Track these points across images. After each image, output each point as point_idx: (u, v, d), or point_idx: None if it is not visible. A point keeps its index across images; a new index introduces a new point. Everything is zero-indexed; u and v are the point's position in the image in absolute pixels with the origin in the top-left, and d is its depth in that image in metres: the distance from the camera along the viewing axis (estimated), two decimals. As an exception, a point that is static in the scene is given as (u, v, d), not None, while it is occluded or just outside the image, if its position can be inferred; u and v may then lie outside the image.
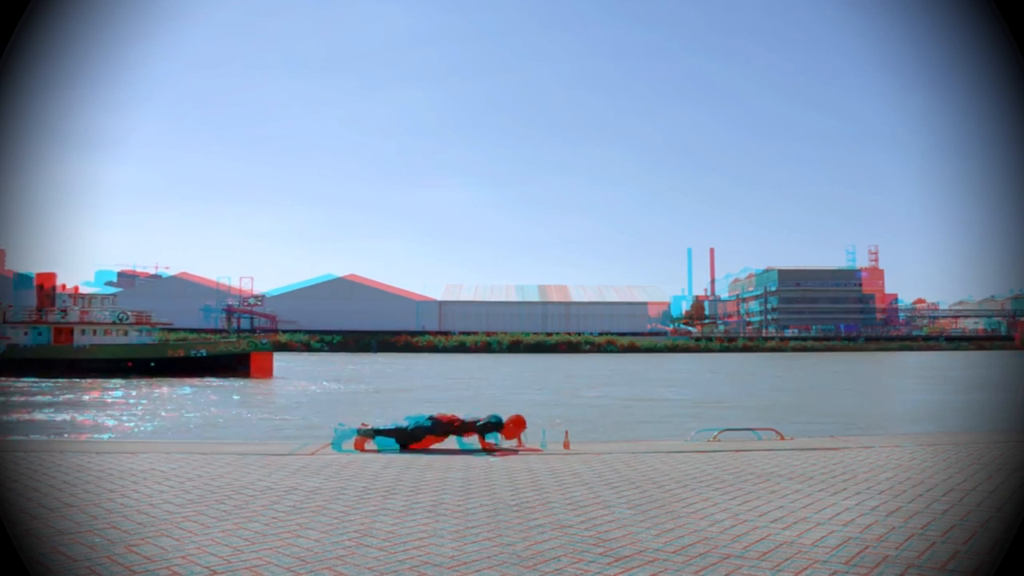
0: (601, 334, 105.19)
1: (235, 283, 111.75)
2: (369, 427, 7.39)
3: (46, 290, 47.19)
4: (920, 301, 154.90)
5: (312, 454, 6.82)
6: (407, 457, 6.74)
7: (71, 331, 44.88)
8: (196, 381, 36.33)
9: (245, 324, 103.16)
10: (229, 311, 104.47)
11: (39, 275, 47.91)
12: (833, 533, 4.01)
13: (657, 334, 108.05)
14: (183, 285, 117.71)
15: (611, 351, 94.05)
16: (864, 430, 17.08)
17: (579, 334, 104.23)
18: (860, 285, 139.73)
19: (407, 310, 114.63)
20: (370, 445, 7.30)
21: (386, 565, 3.47)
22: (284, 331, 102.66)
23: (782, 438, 7.59)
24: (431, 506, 4.74)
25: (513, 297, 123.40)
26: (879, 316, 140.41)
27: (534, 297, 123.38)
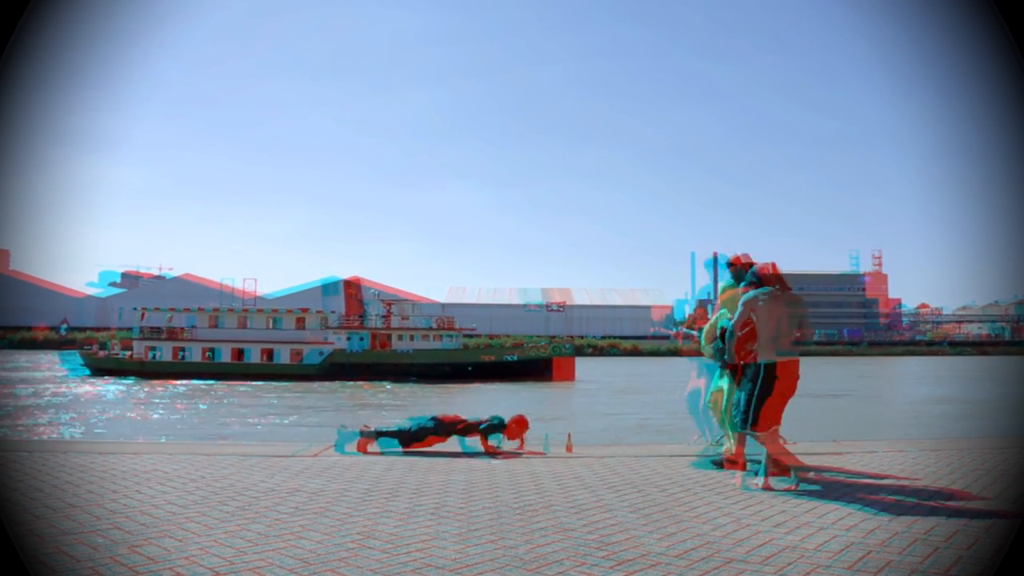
0: (603, 337, 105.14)
1: (238, 284, 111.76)
2: (372, 429, 7.39)
3: (355, 295, 48.74)
4: (924, 306, 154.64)
5: (315, 456, 6.83)
6: (410, 459, 6.74)
7: (388, 336, 46.47)
8: (511, 385, 37.52)
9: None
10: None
11: (346, 281, 49.38)
12: (836, 538, 4.00)
13: (660, 338, 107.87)
14: (186, 286, 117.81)
15: (614, 354, 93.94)
16: (867, 435, 17.04)
17: (581, 337, 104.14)
18: (863, 290, 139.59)
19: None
20: (373, 447, 7.30)
21: (389, 567, 3.48)
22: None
23: (784, 442, 7.56)
24: (434, 508, 4.74)
25: (516, 300, 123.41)
26: (882, 321, 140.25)
27: (537, 299, 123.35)
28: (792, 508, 4.75)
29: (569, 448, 7.37)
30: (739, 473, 5.99)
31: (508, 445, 7.42)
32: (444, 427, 7.28)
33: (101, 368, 45.14)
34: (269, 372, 43.73)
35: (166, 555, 3.62)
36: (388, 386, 37.67)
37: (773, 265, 6.00)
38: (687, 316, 7.15)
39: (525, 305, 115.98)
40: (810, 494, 5.21)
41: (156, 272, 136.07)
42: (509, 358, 45.21)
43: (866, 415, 24.96)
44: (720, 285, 6.89)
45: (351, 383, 39.50)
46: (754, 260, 6.56)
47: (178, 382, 39.48)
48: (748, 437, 6.00)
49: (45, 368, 48.68)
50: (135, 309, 49.94)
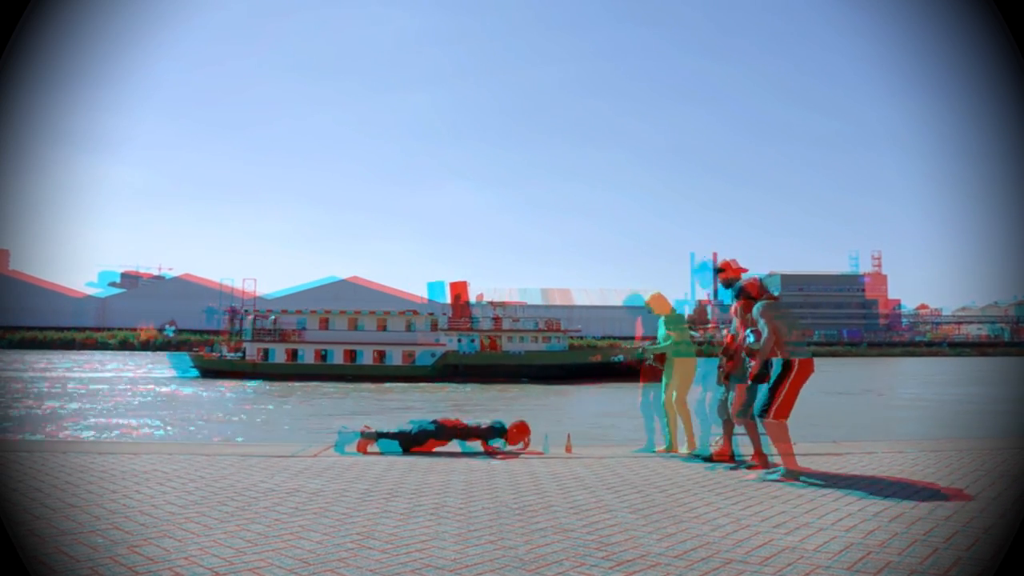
0: (603, 338, 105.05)
1: (238, 284, 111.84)
2: (372, 430, 7.39)
3: (462, 299, 49.61)
4: (923, 307, 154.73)
5: (314, 456, 6.83)
6: (409, 460, 6.74)
7: (498, 338, 47.48)
8: (616, 386, 38.11)
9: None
10: (232, 312, 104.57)
11: (453, 284, 50.26)
12: (836, 539, 4.00)
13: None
14: (186, 286, 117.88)
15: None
16: (867, 436, 17.06)
17: (581, 337, 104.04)
18: (863, 290, 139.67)
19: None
20: (373, 448, 7.30)
21: (388, 567, 3.48)
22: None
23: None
24: (433, 509, 4.74)
25: (516, 299, 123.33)
26: (882, 322, 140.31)
27: (537, 300, 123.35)
28: (792, 509, 4.75)
29: (568, 449, 7.38)
30: (758, 471, 6.20)
31: (509, 449, 7.43)
32: (445, 431, 7.28)
33: (212, 370, 45.77)
34: (381, 374, 44.55)
35: (166, 555, 3.62)
36: (520, 387, 38.62)
37: (756, 280, 6.46)
38: (687, 317, 7.27)
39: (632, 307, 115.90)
40: (810, 494, 5.21)
41: (156, 272, 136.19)
42: (615, 359, 46.03)
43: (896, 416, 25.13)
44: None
45: (464, 384, 40.31)
46: (744, 267, 6.76)
47: (303, 383, 40.17)
48: (738, 430, 6.51)
49: (133, 371, 48.88)
50: (247, 311, 51.10)
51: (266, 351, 46.28)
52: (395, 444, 7.25)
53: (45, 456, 6.50)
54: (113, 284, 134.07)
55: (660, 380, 7.42)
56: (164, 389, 34.56)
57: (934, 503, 4.86)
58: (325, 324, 47.04)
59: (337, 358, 45.66)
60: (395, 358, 45.69)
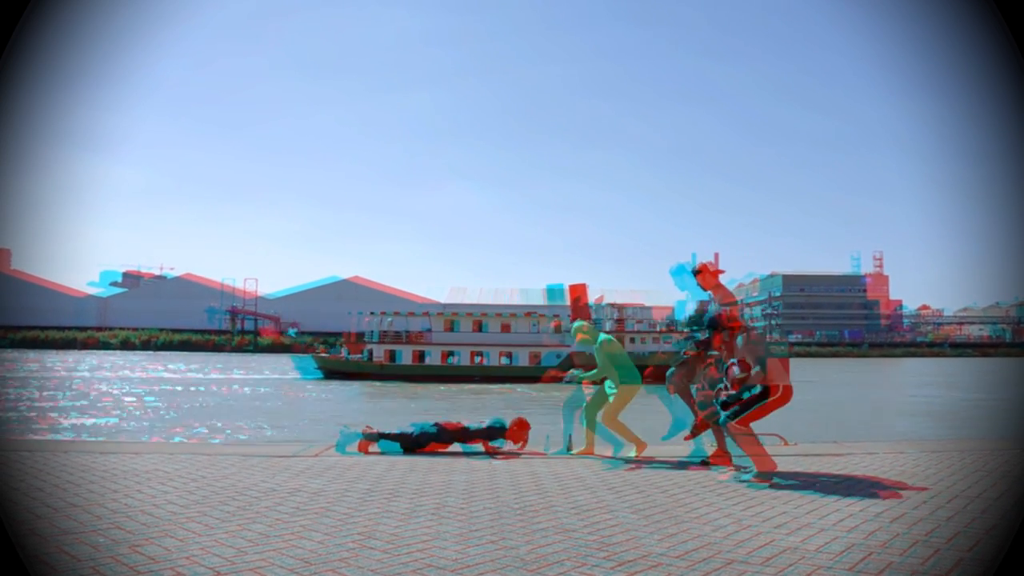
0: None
1: (239, 284, 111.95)
2: (374, 431, 7.39)
3: (581, 301, 50.41)
4: (924, 307, 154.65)
5: (316, 456, 6.83)
6: (411, 460, 6.75)
7: (621, 339, 48.17)
8: None
9: (249, 325, 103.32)
10: (233, 312, 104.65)
11: (572, 286, 50.91)
12: (837, 539, 4.00)
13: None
14: (187, 286, 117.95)
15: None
16: (868, 436, 17.05)
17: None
18: (864, 291, 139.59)
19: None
20: (373, 448, 7.30)
21: (389, 567, 3.48)
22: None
23: (785, 443, 7.57)
24: (434, 509, 4.74)
25: (517, 300, 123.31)
26: (883, 322, 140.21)
27: (538, 300, 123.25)
28: (793, 509, 4.75)
29: (571, 448, 7.37)
30: (729, 469, 6.25)
31: (511, 448, 7.43)
32: (447, 434, 7.27)
33: (337, 371, 46.19)
34: (508, 374, 45.13)
35: (167, 555, 3.63)
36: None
37: (733, 309, 6.48)
38: (687, 318, 7.24)
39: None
40: (811, 495, 5.20)
41: (157, 272, 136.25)
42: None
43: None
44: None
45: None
46: (721, 268, 6.78)
47: (429, 385, 40.63)
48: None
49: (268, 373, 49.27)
50: (360, 314, 52.18)
51: (393, 352, 47.03)
52: (396, 445, 7.25)
53: (46, 455, 6.50)
54: (115, 284, 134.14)
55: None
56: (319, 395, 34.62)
57: (936, 504, 4.86)
58: (450, 326, 47.91)
59: (464, 359, 46.31)
60: (521, 359, 46.45)
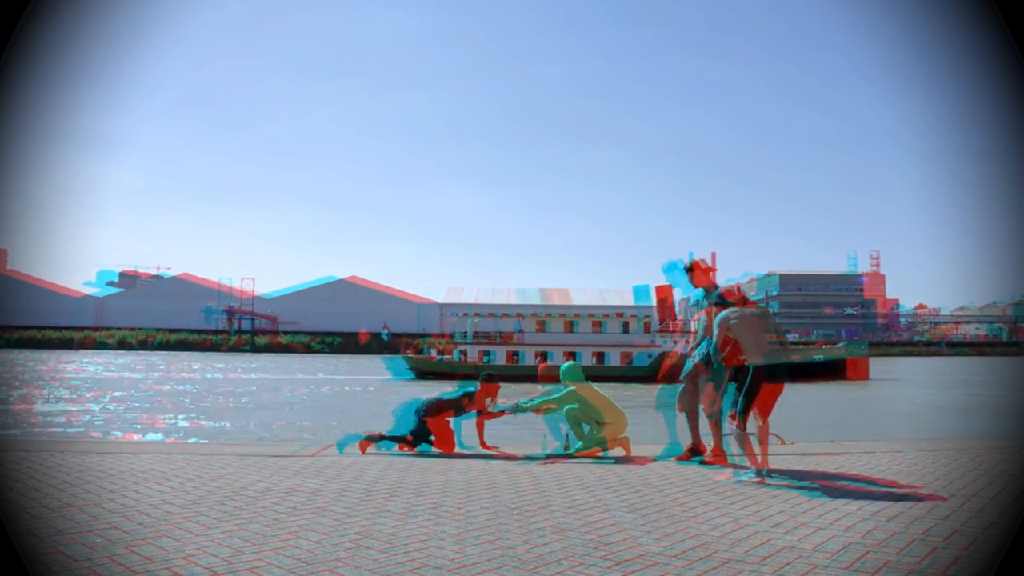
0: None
1: (236, 284, 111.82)
2: (376, 433, 7.38)
3: (668, 301, 51.00)
4: (921, 307, 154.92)
5: (313, 455, 6.82)
6: (408, 459, 6.74)
7: None
8: (816, 385, 39.57)
9: (246, 325, 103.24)
10: (230, 312, 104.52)
11: (659, 287, 51.86)
12: (834, 538, 4.00)
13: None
14: (184, 286, 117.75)
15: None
16: (866, 435, 17.07)
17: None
18: (862, 290, 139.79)
19: (408, 312, 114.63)
20: (372, 449, 7.29)
21: (386, 567, 3.47)
22: (285, 332, 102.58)
23: (783, 442, 7.58)
24: (432, 508, 4.74)
25: (514, 300, 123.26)
26: (880, 321, 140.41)
27: (535, 300, 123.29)
28: (790, 508, 4.76)
29: (567, 448, 7.37)
30: (728, 469, 6.24)
31: (494, 408, 7.47)
32: (432, 416, 7.24)
33: (429, 372, 46.63)
34: (600, 374, 45.65)
35: (164, 555, 3.62)
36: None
37: (738, 286, 6.50)
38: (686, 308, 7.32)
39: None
40: (808, 494, 5.21)
41: (154, 272, 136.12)
42: (817, 358, 47.79)
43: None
44: (691, 301, 7.16)
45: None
46: (713, 266, 6.80)
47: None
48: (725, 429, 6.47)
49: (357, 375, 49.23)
50: (455, 315, 52.98)
51: (487, 353, 47.81)
52: (395, 445, 7.25)
53: (43, 456, 6.49)
54: (111, 284, 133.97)
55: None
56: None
57: (932, 503, 4.86)
58: (542, 327, 49.12)
59: (557, 359, 46.53)
60: (613, 359, 47.13)
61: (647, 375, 45.11)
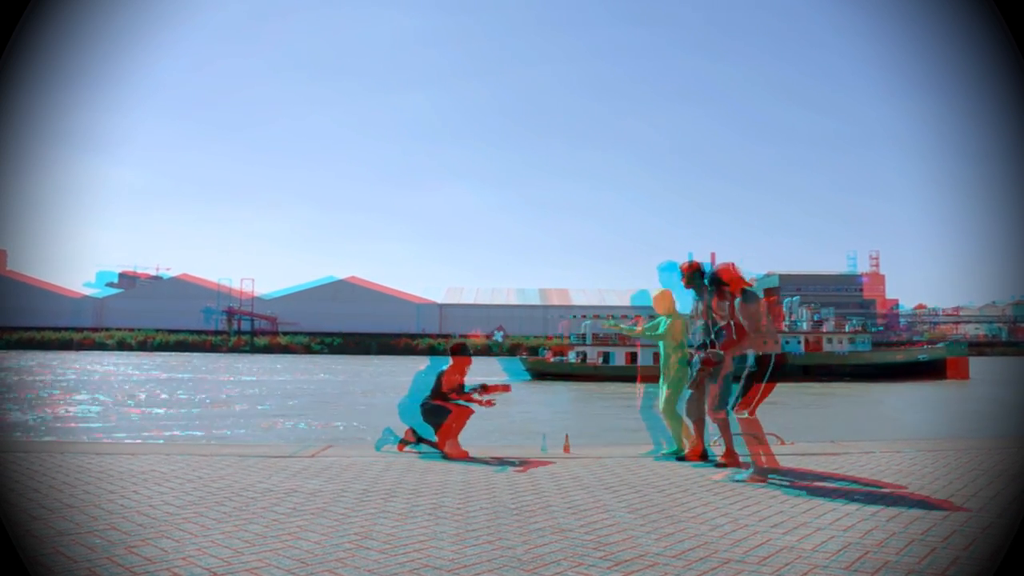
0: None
1: (236, 285, 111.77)
2: (413, 437, 7.33)
3: (775, 301, 52.60)
4: (921, 306, 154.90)
5: (312, 456, 6.82)
6: (407, 460, 6.74)
7: (819, 340, 50.74)
8: (917, 384, 41.01)
9: (246, 326, 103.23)
10: (230, 312, 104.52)
11: (766, 290, 52.69)
12: (833, 538, 4.01)
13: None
14: (184, 287, 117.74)
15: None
16: (866, 436, 17.08)
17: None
18: (861, 290, 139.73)
19: (407, 312, 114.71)
20: (408, 449, 7.26)
21: (386, 567, 3.47)
22: (284, 333, 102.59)
23: (783, 443, 7.59)
24: (431, 509, 4.74)
25: (514, 300, 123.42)
26: (880, 321, 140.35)
27: (535, 300, 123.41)
28: (789, 508, 4.76)
29: (567, 449, 7.38)
30: (727, 469, 6.25)
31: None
32: (445, 401, 7.20)
33: (546, 373, 47.38)
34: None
35: (163, 556, 3.62)
36: (844, 385, 41.87)
37: (733, 265, 6.22)
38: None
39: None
40: (807, 494, 5.21)
41: (153, 272, 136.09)
42: (921, 357, 49.32)
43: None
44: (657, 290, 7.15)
45: (796, 383, 42.73)
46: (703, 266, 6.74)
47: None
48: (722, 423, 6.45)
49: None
50: (573, 317, 53.79)
51: (607, 354, 48.29)
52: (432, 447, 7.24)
53: (43, 456, 6.49)
54: (111, 284, 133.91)
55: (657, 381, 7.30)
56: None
57: (932, 503, 4.87)
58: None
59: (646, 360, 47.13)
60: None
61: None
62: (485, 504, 4.90)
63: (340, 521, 4.39)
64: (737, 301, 6.02)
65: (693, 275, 6.79)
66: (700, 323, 6.71)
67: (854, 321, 57.65)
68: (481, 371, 54.27)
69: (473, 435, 7.52)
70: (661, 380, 7.13)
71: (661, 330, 7.18)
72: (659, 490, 5.39)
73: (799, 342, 49.73)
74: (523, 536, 4.08)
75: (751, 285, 6.24)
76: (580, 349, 49.37)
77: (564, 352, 50.72)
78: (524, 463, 6.62)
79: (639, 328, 7.53)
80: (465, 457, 6.89)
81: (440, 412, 7.13)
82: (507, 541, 3.97)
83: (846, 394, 35.90)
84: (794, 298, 57.78)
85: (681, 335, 7.10)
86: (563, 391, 38.41)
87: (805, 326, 52.16)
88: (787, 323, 52.21)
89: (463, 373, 7.41)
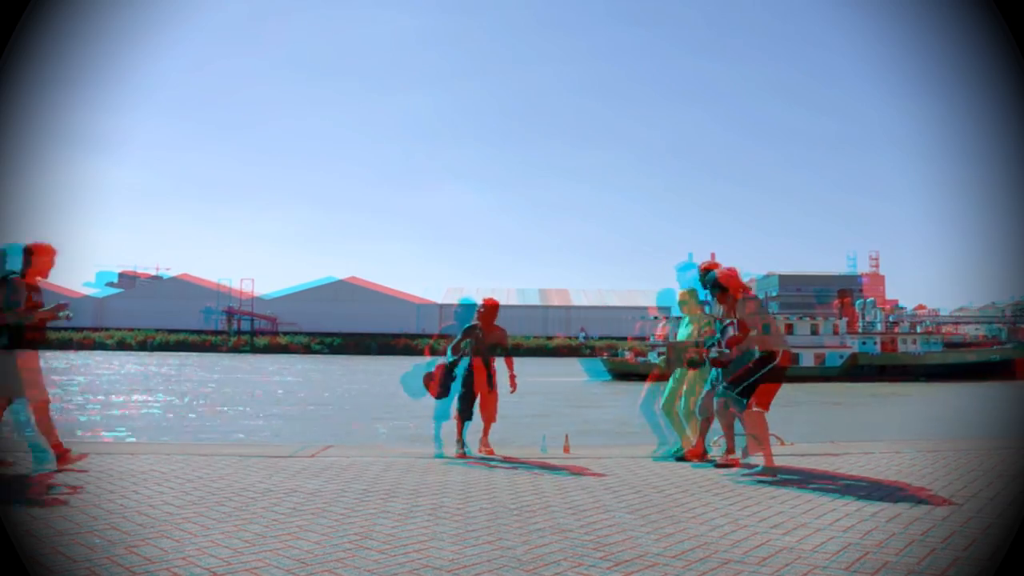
0: (602, 338, 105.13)
1: (236, 285, 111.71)
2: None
3: (850, 303, 53.60)
4: (921, 307, 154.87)
5: (312, 456, 6.82)
6: (408, 460, 6.75)
7: (893, 340, 51.83)
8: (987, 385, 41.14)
9: (245, 326, 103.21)
10: (229, 313, 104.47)
11: (840, 291, 53.81)
12: (833, 539, 4.01)
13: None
14: (183, 287, 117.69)
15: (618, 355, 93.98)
16: (866, 436, 17.09)
17: (588, 337, 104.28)
18: (861, 291, 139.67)
19: (407, 313, 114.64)
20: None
21: (386, 568, 3.47)
22: (284, 333, 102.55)
23: (782, 443, 7.59)
24: (431, 509, 4.74)
25: (514, 300, 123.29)
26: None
27: (535, 301, 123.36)
28: (789, 509, 4.76)
29: (567, 449, 7.38)
30: (728, 469, 6.27)
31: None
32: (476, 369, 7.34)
33: (628, 373, 47.14)
34: (794, 374, 45.98)
35: (163, 556, 3.62)
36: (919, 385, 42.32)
37: (733, 271, 6.38)
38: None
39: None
40: (807, 495, 5.21)
41: (153, 272, 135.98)
42: (993, 357, 50.40)
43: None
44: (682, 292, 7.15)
45: (875, 383, 43.80)
46: (718, 263, 6.74)
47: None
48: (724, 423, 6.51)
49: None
50: (644, 318, 54.36)
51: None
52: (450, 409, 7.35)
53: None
54: (110, 284, 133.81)
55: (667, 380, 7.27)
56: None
57: (932, 503, 4.87)
58: None
59: None
60: (807, 359, 48.32)
61: (838, 375, 47.40)
62: (485, 504, 4.90)
63: (340, 521, 4.39)
64: (739, 302, 6.13)
65: (703, 277, 6.80)
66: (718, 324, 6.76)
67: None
68: (563, 371, 54.56)
69: (473, 435, 7.51)
70: (673, 377, 7.14)
71: (689, 329, 7.17)
72: (659, 490, 5.40)
73: (875, 343, 50.56)
74: (523, 536, 4.08)
75: (751, 292, 6.32)
76: (662, 349, 49.56)
77: (644, 353, 51.20)
78: (524, 463, 6.63)
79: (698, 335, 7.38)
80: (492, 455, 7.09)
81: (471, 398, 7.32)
82: (507, 541, 3.97)
83: (931, 394, 36.40)
84: (868, 299, 58.50)
85: (697, 334, 7.11)
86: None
87: (879, 327, 53.00)
88: (861, 324, 52.83)
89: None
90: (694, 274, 7.05)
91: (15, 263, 6.20)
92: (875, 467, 6.35)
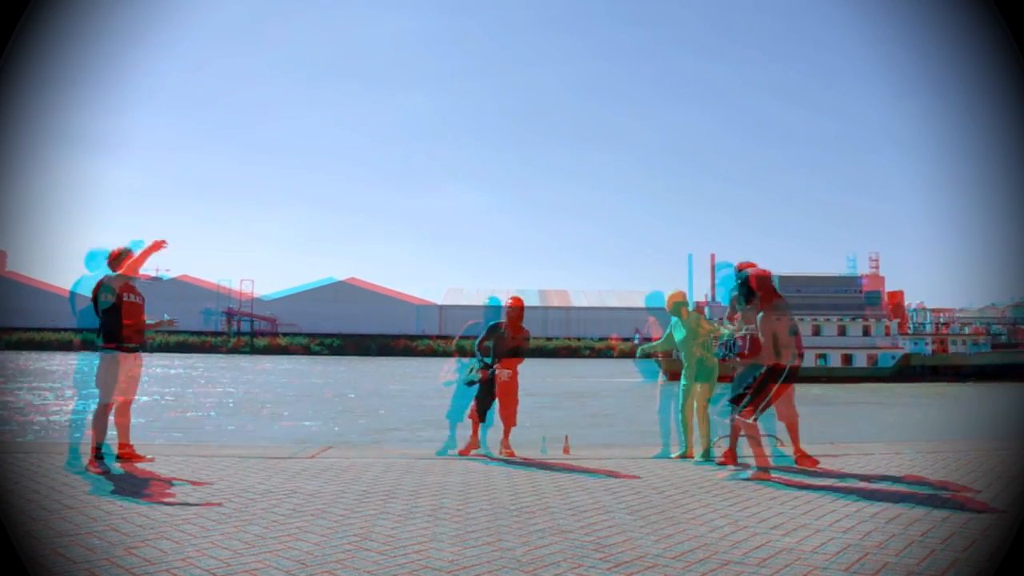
0: (601, 339, 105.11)
1: (235, 286, 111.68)
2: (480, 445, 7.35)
3: (897, 305, 54.06)
4: (931, 308, 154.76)
5: (312, 457, 6.82)
6: (407, 461, 6.74)
7: (943, 341, 52.86)
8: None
9: (245, 327, 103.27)
10: (229, 314, 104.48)
11: (891, 293, 54.81)
12: (833, 540, 4.01)
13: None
14: (183, 288, 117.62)
15: (610, 356, 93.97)
16: (865, 437, 17.09)
17: (579, 339, 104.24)
18: (861, 292, 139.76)
19: (407, 314, 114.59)
20: (475, 453, 7.26)
21: (385, 569, 3.47)
22: (284, 334, 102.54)
23: (781, 444, 7.57)
24: (431, 510, 4.74)
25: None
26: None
27: (535, 302, 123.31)
28: (789, 510, 4.76)
29: (566, 450, 7.38)
30: (729, 468, 6.36)
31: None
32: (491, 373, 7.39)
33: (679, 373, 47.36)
34: (847, 375, 47.90)
35: (163, 557, 3.62)
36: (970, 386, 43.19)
37: (766, 273, 6.39)
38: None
39: None
40: (807, 495, 5.21)
41: (153, 273, 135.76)
42: None
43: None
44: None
45: (928, 383, 44.58)
46: (750, 264, 6.70)
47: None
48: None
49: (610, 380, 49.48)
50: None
51: None
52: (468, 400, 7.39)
53: (42, 457, 6.48)
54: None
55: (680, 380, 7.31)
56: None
57: (931, 504, 4.87)
58: None
59: (807, 360, 47.41)
60: (859, 360, 49.50)
61: (890, 375, 48.04)
62: (485, 505, 4.90)
63: (340, 522, 4.38)
64: (760, 315, 6.07)
65: (737, 275, 6.75)
66: (729, 327, 6.74)
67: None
68: (619, 372, 54.81)
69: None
70: (685, 378, 7.15)
71: (684, 330, 7.20)
72: (658, 491, 5.39)
73: (926, 344, 51.23)
74: (523, 537, 4.08)
75: (782, 298, 6.23)
76: (718, 348, 49.82)
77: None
78: (524, 464, 6.63)
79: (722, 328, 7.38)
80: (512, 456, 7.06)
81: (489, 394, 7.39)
82: (507, 542, 3.97)
83: (984, 395, 36.96)
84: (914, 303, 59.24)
85: (700, 332, 7.14)
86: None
87: (930, 328, 53.67)
88: (911, 325, 53.57)
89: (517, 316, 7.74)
90: (730, 272, 7.06)
91: (101, 264, 6.56)
92: (875, 468, 6.35)
